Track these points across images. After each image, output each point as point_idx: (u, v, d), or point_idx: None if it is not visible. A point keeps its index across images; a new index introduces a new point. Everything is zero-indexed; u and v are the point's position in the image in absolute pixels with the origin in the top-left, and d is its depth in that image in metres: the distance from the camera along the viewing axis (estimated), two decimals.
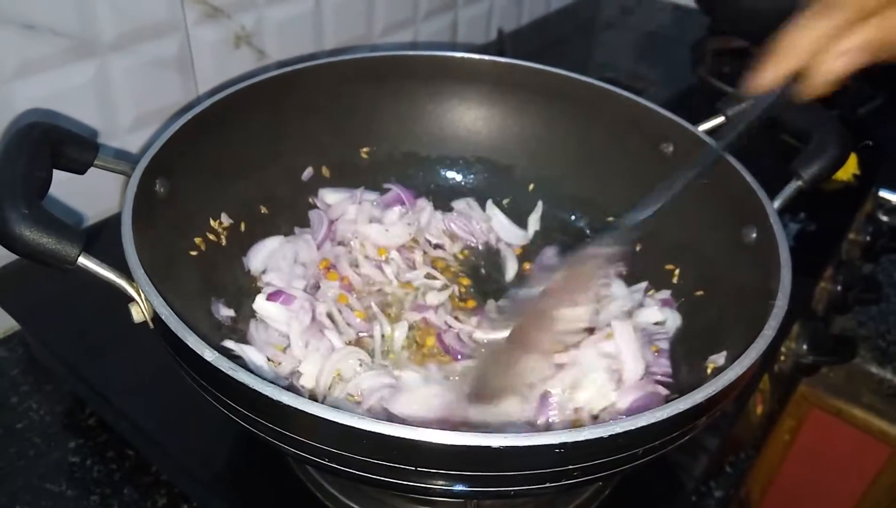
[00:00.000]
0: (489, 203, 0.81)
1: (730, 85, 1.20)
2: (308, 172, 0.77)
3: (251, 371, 0.40)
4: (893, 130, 1.16)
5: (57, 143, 0.53)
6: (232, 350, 0.60)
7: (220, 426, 0.45)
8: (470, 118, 0.82)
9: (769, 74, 0.53)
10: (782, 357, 0.87)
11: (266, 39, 0.92)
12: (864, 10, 0.48)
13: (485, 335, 0.68)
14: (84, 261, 0.45)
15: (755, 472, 0.75)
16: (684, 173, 0.57)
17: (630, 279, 0.73)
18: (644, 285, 0.72)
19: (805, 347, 0.86)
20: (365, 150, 0.81)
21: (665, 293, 0.70)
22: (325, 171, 0.79)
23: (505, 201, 0.83)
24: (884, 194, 1.08)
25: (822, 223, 0.94)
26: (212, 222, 0.67)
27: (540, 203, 0.82)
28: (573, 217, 0.81)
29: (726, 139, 0.58)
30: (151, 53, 0.80)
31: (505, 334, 0.63)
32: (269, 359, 0.62)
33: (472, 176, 0.84)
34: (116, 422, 0.66)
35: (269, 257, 0.71)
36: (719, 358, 0.57)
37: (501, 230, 0.80)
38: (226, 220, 0.69)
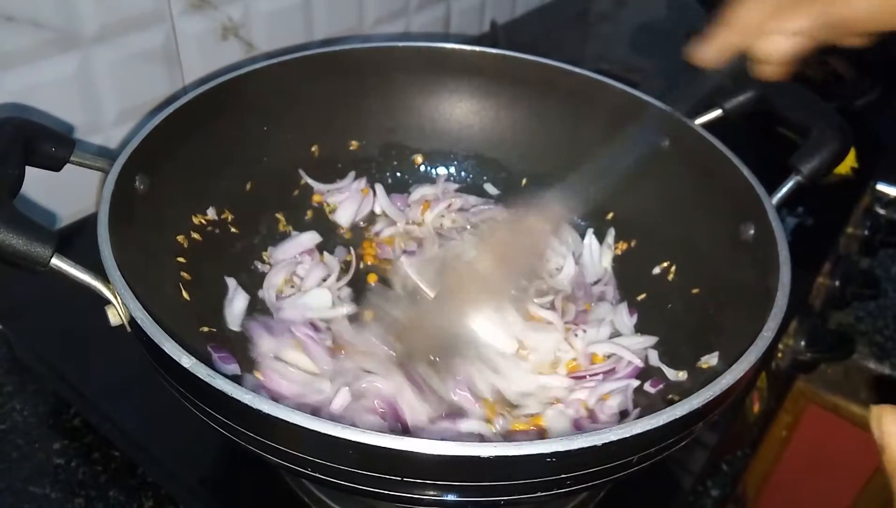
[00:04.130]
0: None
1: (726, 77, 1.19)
2: (300, 173, 0.77)
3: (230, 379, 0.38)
4: (891, 122, 1.15)
5: (31, 139, 0.51)
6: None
7: (206, 429, 0.44)
8: (462, 111, 0.81)
9: (714, 49, 0.52)
10: (780, 355, 0.86)
11: (254, 31, 0.90)
12: None
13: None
14: (57, 262, 0.44)
15: (751, 469, 0.74)
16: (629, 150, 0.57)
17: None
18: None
19: (803, 344, 0.85)
20: (354, 143, 0.80)
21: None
22: (313, 154, 0.78)
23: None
24: (881, 187, 1.06)
25: (819, 218, 0.93)
26: (195, 220, 0.66)
27: (590, 231, 0.77)
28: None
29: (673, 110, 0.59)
30: (136, 45, 0.79)
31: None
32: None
33: (463, 170, 0.82)
34: (101, 424, 0.65)
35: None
36: (711, 358, 0.56)
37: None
38: (211, 217, 0.67)
